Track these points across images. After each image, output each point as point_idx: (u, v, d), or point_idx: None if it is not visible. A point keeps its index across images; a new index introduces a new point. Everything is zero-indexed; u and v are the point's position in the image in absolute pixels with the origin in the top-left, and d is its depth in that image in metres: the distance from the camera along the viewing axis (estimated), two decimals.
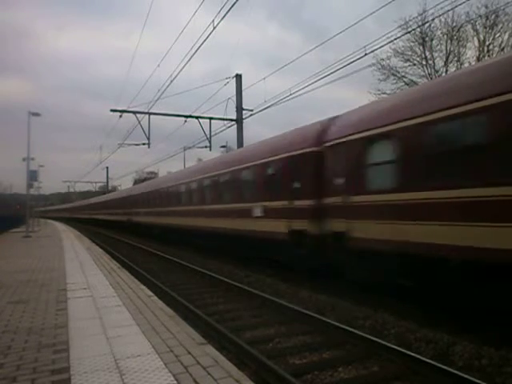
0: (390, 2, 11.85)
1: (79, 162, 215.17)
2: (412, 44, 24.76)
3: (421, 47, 24.75)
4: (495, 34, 22.67)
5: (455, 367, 4.80)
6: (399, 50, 24.80)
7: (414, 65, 25.13)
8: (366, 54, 12.91)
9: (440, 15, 19.23)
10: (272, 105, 18.45)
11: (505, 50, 21.89)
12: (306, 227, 9.74)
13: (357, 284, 8.36)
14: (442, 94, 6.79)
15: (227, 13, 11.69)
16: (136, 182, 69.65)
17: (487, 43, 22.94)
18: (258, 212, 11.39)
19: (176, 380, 3.32)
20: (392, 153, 7.37)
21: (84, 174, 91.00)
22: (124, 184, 78.76)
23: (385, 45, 14.86)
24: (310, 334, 6.36)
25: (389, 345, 5.39)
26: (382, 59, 24.75)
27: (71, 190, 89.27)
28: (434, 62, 24.69)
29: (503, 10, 20.97)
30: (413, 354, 5.05)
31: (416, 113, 6.99)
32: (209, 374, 3.45)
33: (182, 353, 3.97)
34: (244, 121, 21.48)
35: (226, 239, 14.43)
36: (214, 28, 12.75)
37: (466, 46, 24.06)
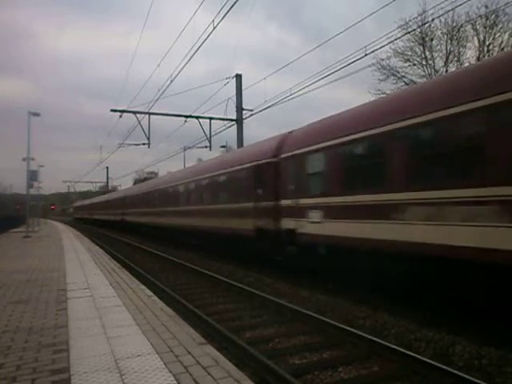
0: (390, 3, 11.86)
1: (79, 162, 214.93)
2: (412, 44, 24.78)
3: (421, 47, 24.76)
4: (495, 34, 22.67)
5: (455, 367, 4.80)
6: (399, 50, 24.82)
7: (414, 65, 25.14)
8: (366, 55, 12.92)
9: (440, 15, 19.20)
10: (272, 105, 18.47)
11: (505, 49, 21.87)
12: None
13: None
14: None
15: (227, 13, 11.70)
16: (136, 182, 69.25)
17: (487, 43, 22.94)
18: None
19: (176, 380, 3.32)
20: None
21: (84, 173, 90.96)
22: (124, 184, 78.39)
23: (385, 45, 14.89)
24: (310, 334, 6.36)
25: (389, 345, 5.39)
26: (382, 59, 24.78)
27: (71, 190, 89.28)
28: (433, 62, 24.71)
29: (503, 10, 20.96)
30: (413, 354, 5.05)
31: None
32: (209, 373, 3.44)
33: (182, 353, 3.97)
34: (244, 121, 21.50)
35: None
36: (214, 28, 12.76)
37: (465, 46, 24.07)
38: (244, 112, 21.37)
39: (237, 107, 21.29)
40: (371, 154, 8.09)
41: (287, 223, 10.76)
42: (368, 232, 7.85)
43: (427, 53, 24.67)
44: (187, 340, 4.37)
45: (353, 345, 5.76)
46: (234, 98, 21.27)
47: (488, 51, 22.69)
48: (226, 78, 20.94)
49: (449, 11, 16.58)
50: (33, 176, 26.21)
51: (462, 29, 23.35)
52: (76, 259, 12.27)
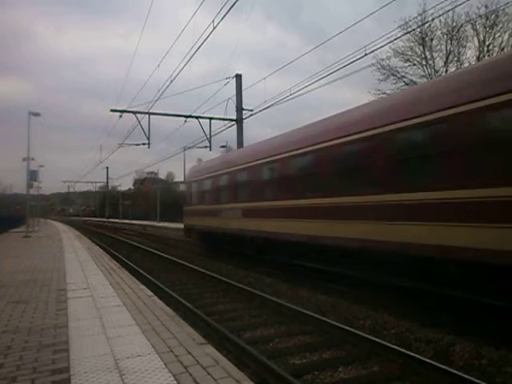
0: (389, 3, 11.84)
1: (79, 162, 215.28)
2: (412, 44, 24.80)
3: (421, 47, 24.78)
4: (495, 34, 22.67)
5: (455, 367, 4.80)
6: (399, 50, 24.84)
7: (414, 65, 25.16)
8: (366, 54, 12.90)
9: (440, 15, 19.20)
10: (272, 105, 18.45)
11: (505, 49, 21.87)
12: None
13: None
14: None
15: (227, 13, 11.69)
16: (136, 182, 69.05)
17: (487, 43, 22.94)
18: None
19: (176, 380, 3.32)
20: None
21: (84, 173, 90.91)
22: (124, 184, 78.24)
23: (385, 45, 14.86)
24: (310, 334, 6.36)
25: (389, 345, 5.38)
26: (382, 59, 24.80)
27: (71, 190, 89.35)
28: (433, 62, 24.72)
29: (503, 10, 20.97)
30: (413, 354, 5.05)
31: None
32: (209, 374, 3.45)
33: (182, 353, 3.97)
34: (244, 121, 21.49)
35: None
36: (214, 28, 12.72)
37: (465, 46, 24.08)
38: (244, 112, 21.38)
39: (237, 107, 21.28)
40: (212, 186, 16.34)
41: (190, 220, 19.24)
42: (217, 223, 15.62)
43: (427, 53, 24.71)
44: (187, 340, 4.37)
45: (353, 345, 5.76)
46: (234, 98, 21.27)
47: (488, 51, 22.70)
48: (226, 78, 20.95)
49: (449, 11, 16.60)
50: (33, 176, 26.20)
51: (462, 29, 23.39)
52: (76, 259, 12.27)
